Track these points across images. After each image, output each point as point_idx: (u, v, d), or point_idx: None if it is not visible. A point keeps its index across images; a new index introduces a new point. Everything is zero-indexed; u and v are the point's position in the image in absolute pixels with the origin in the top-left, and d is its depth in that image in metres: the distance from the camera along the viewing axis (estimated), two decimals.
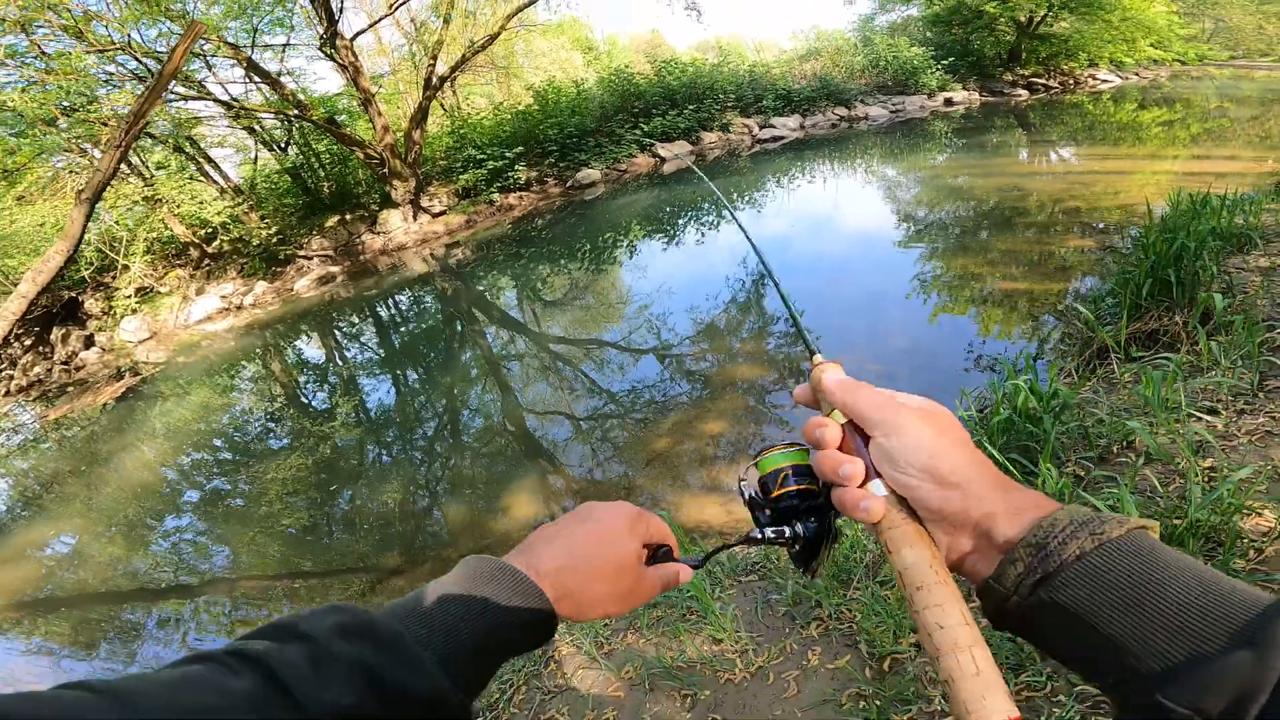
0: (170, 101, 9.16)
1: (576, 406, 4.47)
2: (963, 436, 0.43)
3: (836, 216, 7.91)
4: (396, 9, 10.64)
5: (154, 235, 10.66)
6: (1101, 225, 5.49)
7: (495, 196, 11.66)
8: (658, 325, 5.57)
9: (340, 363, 7.23)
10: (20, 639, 3.52)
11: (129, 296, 10.41)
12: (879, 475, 0.43)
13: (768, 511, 0.53)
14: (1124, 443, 1.83)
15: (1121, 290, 2.78)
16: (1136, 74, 20.46)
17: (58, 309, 11.57)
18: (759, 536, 0.52)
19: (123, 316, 10.30)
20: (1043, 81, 18.46)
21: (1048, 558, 0.35)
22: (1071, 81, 19.01)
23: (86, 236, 9.70)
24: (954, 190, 8.31)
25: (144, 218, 9.97)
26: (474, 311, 7.46)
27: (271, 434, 5.55)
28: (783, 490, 0.52)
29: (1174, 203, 3.40)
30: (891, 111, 15.72)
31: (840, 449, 0.46)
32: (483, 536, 3.23)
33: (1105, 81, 19.20)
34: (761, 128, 14.41)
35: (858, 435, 0.45)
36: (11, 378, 10.55)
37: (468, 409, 5.04)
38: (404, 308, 8.48)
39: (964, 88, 17.36)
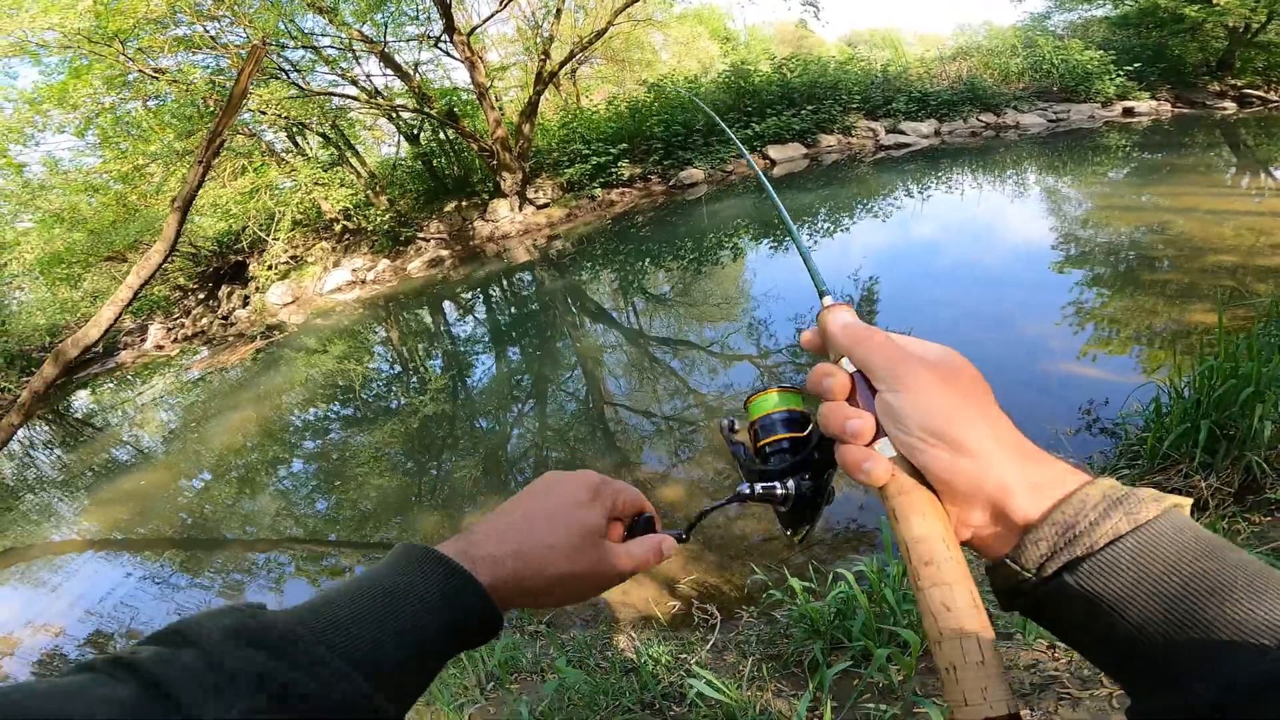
0: (308, 95, 10.16)
1: (660, 404, 4.56)
2: (982, 395, 0.39)
3: (930, 240, 7.10)
4: (507, 4, 10.97)
5: (305, 211, 12.02)
6: (1231, 297, 4.30)
7: (598, 192, 11.79)
8: (755, 331, 5.54)
9: (441, 338, 7.98)
10: (134, 566, 4.23)
11: (270, 268, 11.82)
12: (886, 434, 0.39)
13: (757, 463, 0.49)
14: None
15: (1152, 427, 2.14)
16: None
17: (226, 270, 13.47)
18: (747, 492, 0.48)
19: (268, 285, 11.73)
20: (1259, 94, 15.33)
21: (1076, 540, 0.33)
22: None
23: (253, 210, 11.23)
24: (1067, 222, 7.19)
25: (288, 199, 11.24)
26: (566, 301, 7.76)
27: (373, 396, 6.35)
28: (771, 438, 0.48)
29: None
30: (1051, 121, 13.80)
31: (849, 401, 0.42)
32: None
33: None
34: (888, 132, 13.27)
35: (867, 387, 0.41)
36: (183, 326, 12.48)
37: (554, 393, 5.36)
38: (503, 293, 9.02)
39: (1152, 96, 14.84)
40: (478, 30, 11.68)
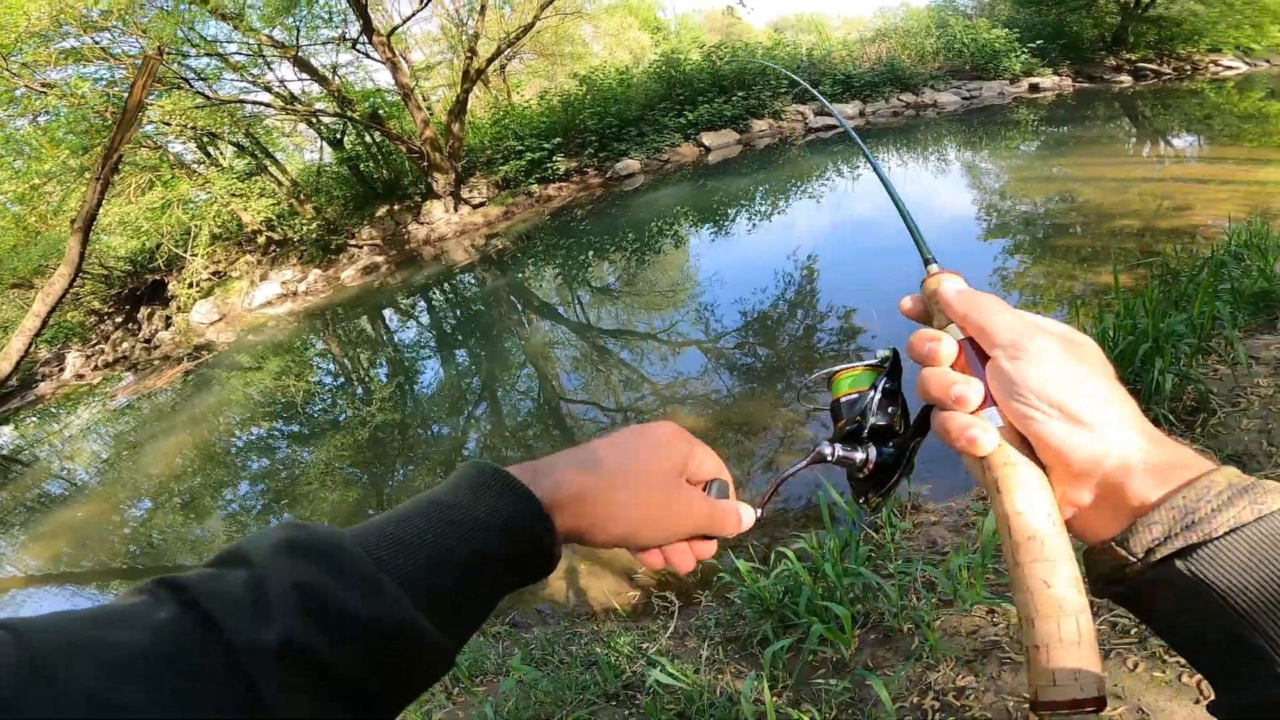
0: (216, 104, 9.64)
1: (613, 395, 4.54)
2: (1106, 370, 0.37)
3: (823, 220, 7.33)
4: (427, 3, 10.68)
5: (224, 224, 11.41)
6: (1137, 260, 4.50)
7: (534, 188, 11.64)
8: (703, 316, 5.55)
9: (383, 346, 7.75)
10: (79, 600, 4.00)
11: (191, 286, 11.19)
12: (995, 403, 0.38)
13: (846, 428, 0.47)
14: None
15: None
16: (1268, 61, 17.88)
17: (143, 290, 12.65)
18: (827, 453, 0.47)
19: (191, 304, 11.09)
20: (1153, 67, 16.42)
21: (1193, 527, 0.31)
22: (1188, 67, 16.82)
23: (166, 226, 10.57)
24: (985, 194, 7.57)
25: (204, 212, 10.66)
26: (510, 299, 7.66)
27: (318, 411, 6.13)
28: (855, 416, 0.47)
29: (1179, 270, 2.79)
30: (964, 99, 14.42)
31: (954, 369, 0.40)
32: None
33: (1230, 68, 16.88)
34: (816, 115, 13.59)
35: (977, 355, 0.40)
36: (103, 352, 11.67)
37: (506, 392, 5.27)
38: (444, 296, 8.83)
39: (1055, 72, 15.69)
40: (399, 30, 11.30)
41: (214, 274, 11.76)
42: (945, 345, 0.41)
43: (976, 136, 11.36)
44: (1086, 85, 15.49)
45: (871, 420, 0.46)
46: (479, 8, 10.99)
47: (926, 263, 0.47)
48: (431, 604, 0.33)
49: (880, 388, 0.47)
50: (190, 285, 11.25)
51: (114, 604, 0.29)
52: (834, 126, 13.29)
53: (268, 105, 10.77)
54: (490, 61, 11.71)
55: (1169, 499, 0.32)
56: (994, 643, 1.42)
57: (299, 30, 9.84)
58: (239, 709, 0.26)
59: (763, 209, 8.73)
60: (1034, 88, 15.08)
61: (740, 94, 13.16)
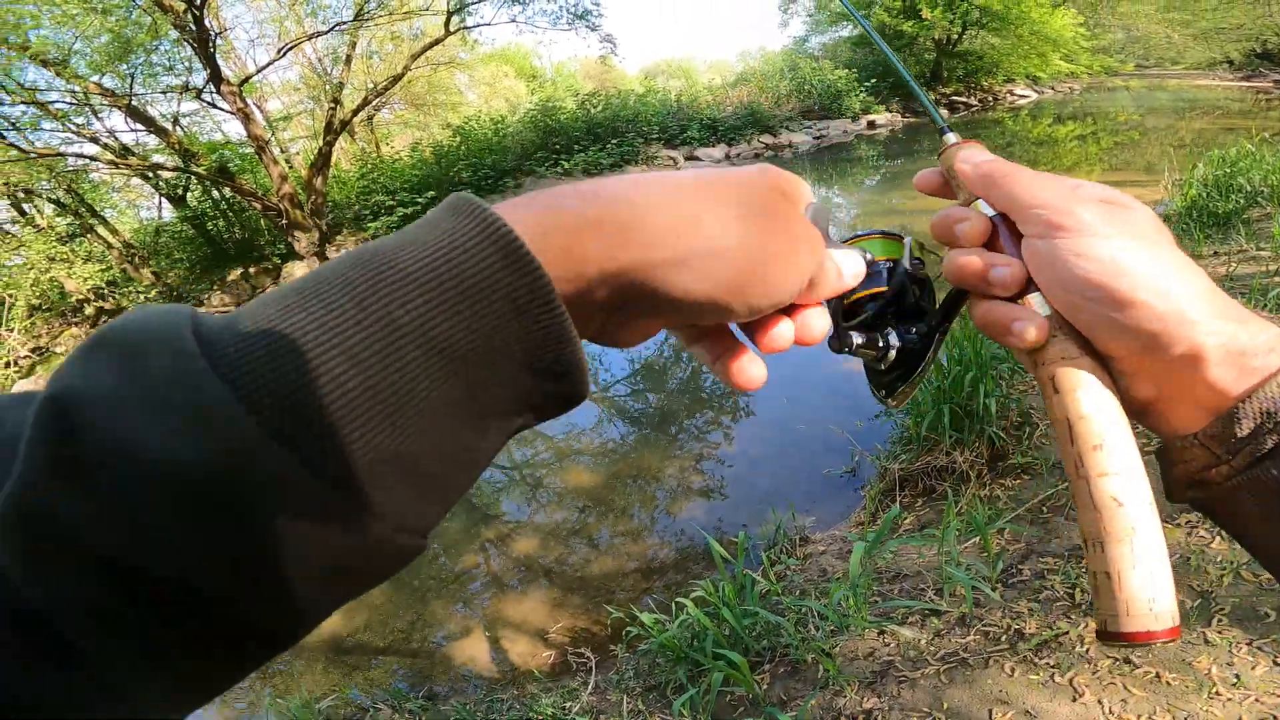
0: (32, 158, 8.58)
1: (505, 453, 4.25)
2: (1164, 240, 0.31)
3: None
4: (285, 52, 10.22)
5: (44, 292, 10.02)
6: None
7: None
8: (592, 366, 5.49)
9: None
10: None
11: (9, 365, 9.69)
12: (1038, 289, 0.33)
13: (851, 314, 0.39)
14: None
15: (912, 415, 2.48)
16: (1052, 88, 21.31)
17: None
18: (846, 340, 0.38)
19: (10, 385, 9.57)
20: (964, 100, 19.01)
21: None
22: (991, 98, 19.65)
23: None
24: (840, 230, 8.17)
25: (19, 281, 9.33)
26: None
27: None
28: (871, 290, 0.39)
29: None
30: (815, 138, 15.87)
31: (987, 248, 0.35)
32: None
33: (1023, 97, 19.93)
34: (686, 160, 14.35)
35: (1011, 233, 0.34)
36: None
37: None
38: None
39: (887, 109, 17.69)
40: (252, 80, 10.66)
41: (35, 350, 10.26)
42: (975, 223, 0.35)
43: (828, 174, 12.49)
44: (913, 120, 17.61)
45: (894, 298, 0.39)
46: (344, 58, 10.63)
47: (941, 133, 0.42)
48: (310, 426, 0.18)
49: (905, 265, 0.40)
50: (7, 365, 9.75)
51: None
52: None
53: (94, 159, 9.69)
54: (356, 113, 11.31)
55: (1261, 388, 0.27)
56: (888, 663, 1.52)
57: (134, 78, 9.00)
58: None
59: None
60: (871, 124, 16.91)
61: (615, 141, 13.63)
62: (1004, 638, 1.46)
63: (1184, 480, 0.30)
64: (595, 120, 13.94)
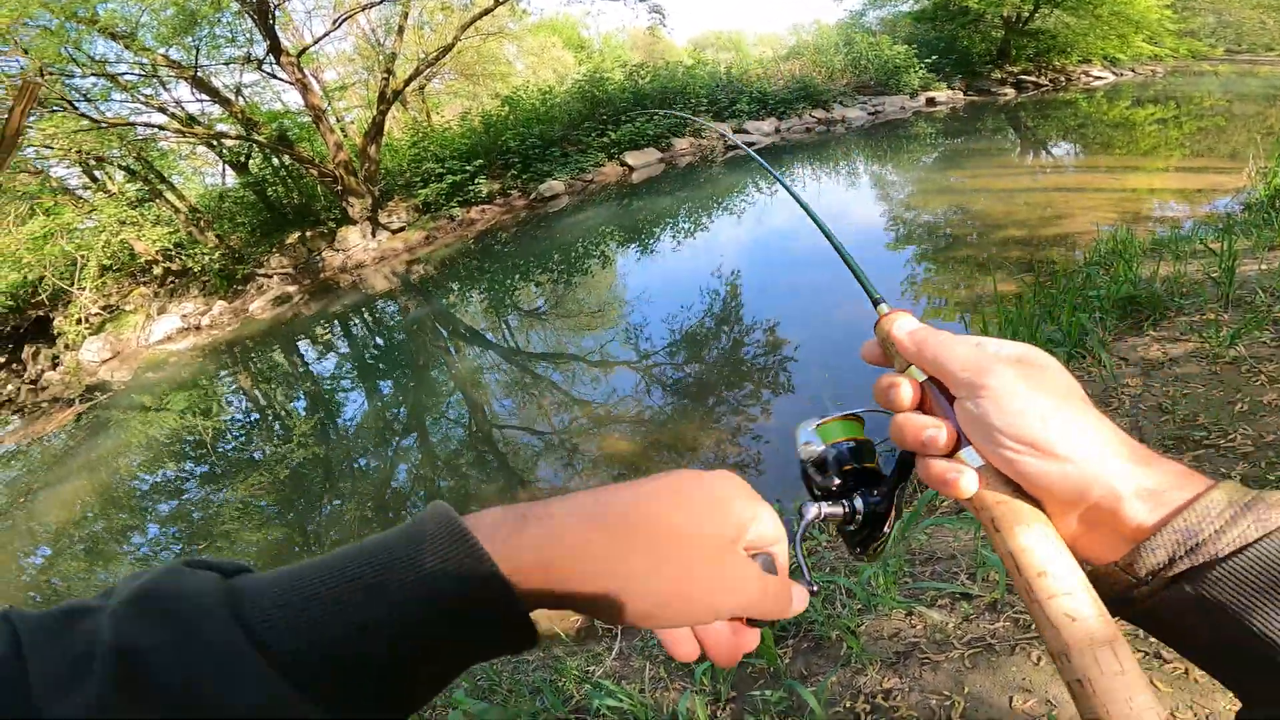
0: (104, 127, 8.99)
1: (545, 419, 4.47)
2: (1072, 392, 0.36)
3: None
4: (340, 23, 10.39)
5: (115, 253, 10.60)
6: (1025, 269, 4.81)
7: (456, 211, 11.42)
8: (632, 337, 5.57)
9: (300, 379, 7.36)
10: None
11: (79, 322, 10.33)
12: (969, 443, 0.37)
13: (835, 482, 0.45)
14: None
15: None
16: (1133, 70, 19.93)
17: (26, 328, 11.53)
18: (815, 513, 0.44)
19: (80, 341, 10.22)
20: (1033, 79, 18.00)
21: (1198, 549, 0.30)
22: (1063, 78, 18.53)
23: (49, 258, 9.73)
24: (892, 205, 8.03)
25: (92, 242, 9.88)
26: (435, 327, 7.46)
27: (231, 449, 5.77)
28: (846, 468, 0.45)
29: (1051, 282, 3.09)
30: (870, 114, 15.32)
31: (921, 410, 0.40)
32: None
33: (1099, 78, 18.71)
34: (735, 132, 14.07)
35: (943, 395, 0.39)
36: None
37: (435, 421, 5.11)
38: (364, 326, 8.48)
39: (949, 87, 16.92)
40: (310, 51, 10.90)
41: (105, 308, 10.87)
42: (904, 389, 0.40)
43: (882, 150, 12.08)
44: (976, 98, 16.79)
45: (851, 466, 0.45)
46: (396, 28, 10.75)
47: (875, 303, 0.46)
48: (327, 685, 0.26)
49: (847, 445, 0.46)
50: (79, 321, 10.37)
51: None
52: (752, 143, 13.78)
53: (162, 128, 10.11)
54: (408, 82, 11.47)
55: (1170, 521, 0.31)
56: (914, 644, 1.51)
57: (199, 50, 9.31)
58: None
59: (687, 227, 8.94)
60: (931, 101, 16.20)
61: (662, 113, 13.48)
62: (1034, 626, 1.43)
63: (1114, 599, 0.34)
64: (643, 91, 13.79)
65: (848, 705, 1.45)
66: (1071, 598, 0.33)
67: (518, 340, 6.54)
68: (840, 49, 17.28)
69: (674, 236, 8.60)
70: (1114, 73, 19.39)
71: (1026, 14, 17.44)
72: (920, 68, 16.33)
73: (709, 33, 38.90)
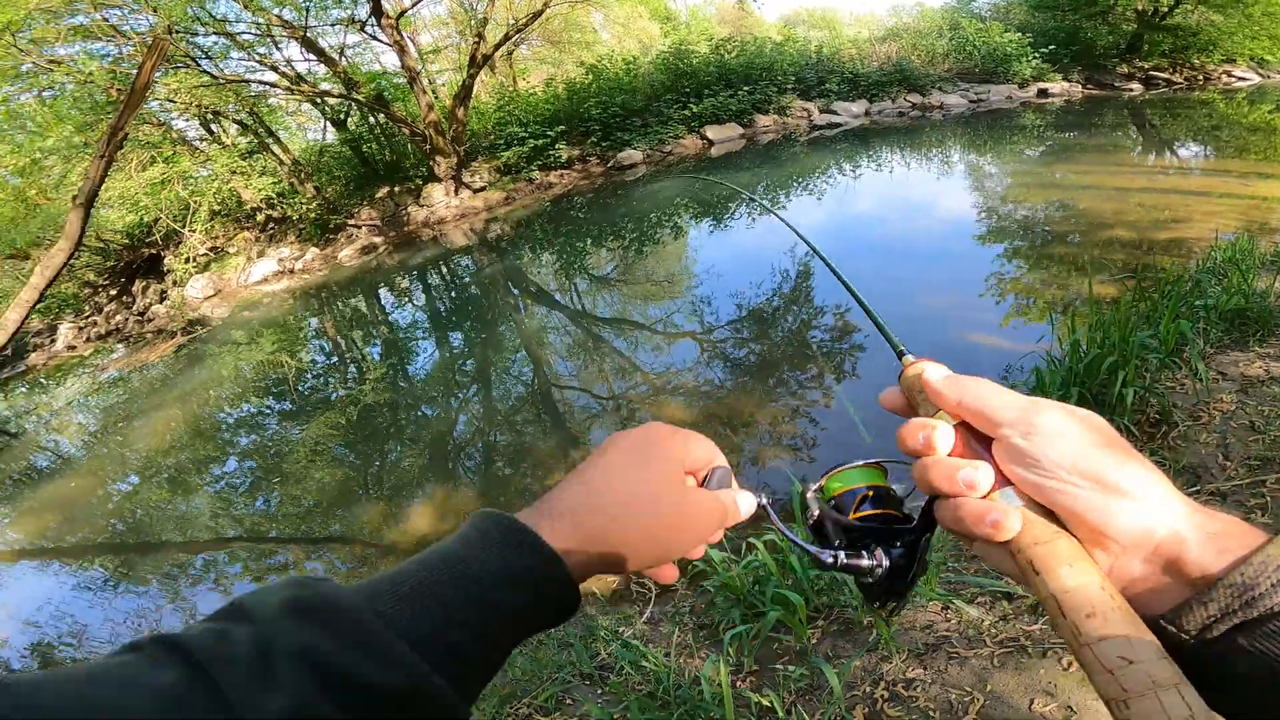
0: (222, 83, 9.62)
1: (605, 382, 4.57)
2: (1122, 440, 0.35)
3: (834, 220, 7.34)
4: None
5: (224, 201, 11.43)
6: (1128, 273, 4.45)
7: (535, 174, 11.64)
8: (698, 309, 5.59)
9: (378, 326, 7.77)
10: (67, 574, 4.01)
11: (188, 261, 11.21)
12: (1009, 483, 0.36)
13: (844, 533, 0.45)
14: None
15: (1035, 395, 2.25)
16: None
17: (139, 264, 12.65)
18: (830, 561, 0.44)
19: (187, 278, 11.12)
20: (1165, 76, 16.35)
21: (1254, 602, 0.29)
22: (1200, 77, 16.74)
23: (165, 201, 10.62)
24: (986, 197, 7.57)
25: (204, 189, 10.68)
26: (507, 284, 7.68)
27: (309, 388, 6.16)
28: (863, 513, 0.45)
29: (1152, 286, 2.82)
30: (971, 101, 14.38)
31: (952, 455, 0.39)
32: (507, 506, 3.35)
33: (1243, 79, 16.79)
34: (822, 112, 13.55)
35: (977, 438, 0.38)
36: (95, 324, 11.68)
37: (499, 376, 5.29)
38: (441, 278, 8.86)
39: (1065, 78, 15.63)
40: (408, 14, 11.25)
41: (211, 249, 11.77)
42: (941, 433, 0.39)
43: (981, 140, 11.34)
44: (1096, 92, 15.44)
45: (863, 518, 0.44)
46: None
47: (900, 355, 0.47)
48: (445, 662, 0.31)
49: (874, 491, 0.46)
50: (187, 260, 11.27)
51: (107, 662, 0.27)
52: (838, 125, 13.25)
53: (273, 85, 10.74)
54: (498, 47, 11.66)
55: (1229, 573, 0.30)
56: (944, 638, 1.47)
57: (309, 11, 9.79)
58: None
59: (763, 203, 8.74)
60: (1042, 93, 15.04)
61: (746, 89, 13.13)
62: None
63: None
64: (728, 66, 13.47)
65: (867, 690, 1.43)
66: (1127, 641, 0.31)
67: (584, 303, 6.64)
68: (944, 33, 16.25)
69: (748, 212, 8.43)
70: (1260, 74, 17.37)
71: (1165, 8, 15.84)
72: (1035, 57, 15.15)
73: (801, 9, 37.37)
